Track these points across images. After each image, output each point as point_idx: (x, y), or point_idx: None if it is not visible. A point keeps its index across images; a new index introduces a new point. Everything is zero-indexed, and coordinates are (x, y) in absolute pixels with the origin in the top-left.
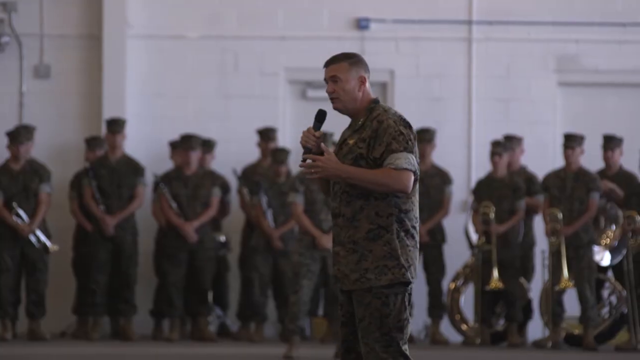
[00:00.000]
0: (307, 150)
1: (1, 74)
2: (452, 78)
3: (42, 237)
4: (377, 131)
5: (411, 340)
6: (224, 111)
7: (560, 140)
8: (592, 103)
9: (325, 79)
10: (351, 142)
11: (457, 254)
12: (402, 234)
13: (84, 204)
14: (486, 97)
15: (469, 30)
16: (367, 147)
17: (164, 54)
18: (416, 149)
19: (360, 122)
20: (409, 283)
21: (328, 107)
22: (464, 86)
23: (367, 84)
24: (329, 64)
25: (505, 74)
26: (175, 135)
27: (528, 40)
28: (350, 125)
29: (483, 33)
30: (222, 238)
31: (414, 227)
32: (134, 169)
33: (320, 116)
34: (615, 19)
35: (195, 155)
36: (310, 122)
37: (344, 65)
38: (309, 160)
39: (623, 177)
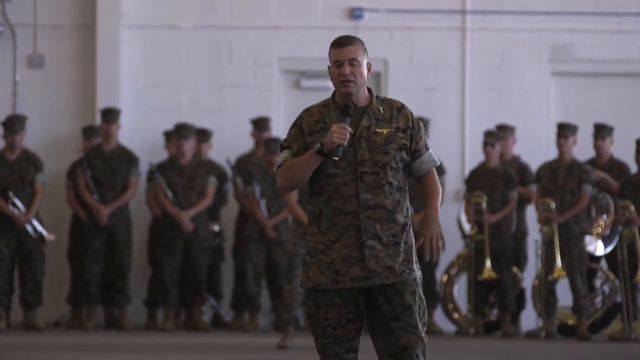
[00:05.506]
0: (339, 147)
1: None
2: (446, 68)
3: (39, 227)
4: (413, 122)
5: None
6: (218, 101)
7: (553, 131)
8: (586, 93)
9: (337, 60)
10: (384, 131)
11: (450, 244)
12: None
13: (79, 194)
14: (480, 87)
15: (463, 20)
16: (409, 138)
17: (158, 44)
18: None
19: (381, 110)
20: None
21: (322, 97)
22: (458, 76)
23: None
24: (345, 44)
25: (498, 64)
26: (169, 126)
27: (522, 30)
28: (363, 113)
29: (477, 23)
30: (216, 228)
31: None
32: (128, 158)
33: (349, 111)
34: (609, 8)
35: (188, 144)
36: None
37: (361, 49)
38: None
39: (614, 166)
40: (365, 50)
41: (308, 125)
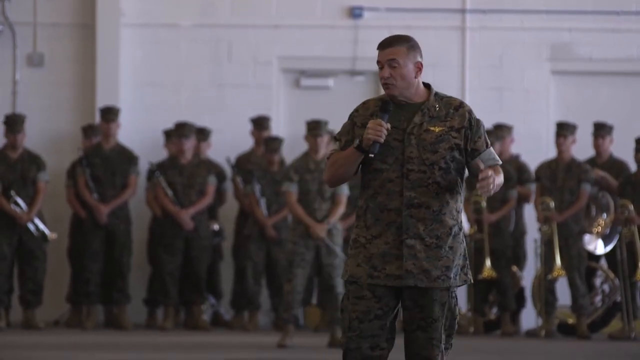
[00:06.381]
0: (375, 144)
1: None
2: (446, 67)
3: (41, 226)
4: (471, 122)
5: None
6: (217, 100)
7: (553, 130)
8: (586, 92)
9: (378, 62)
10: (437, 129)
11: None
12: None
13: (79, 193)
14: (480, 86)
15: (463, 19)
16: (464, 138)
17: (157, 43)
18: None
19: (437, 108)
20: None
21: (322, 96)
22: (458, 75)
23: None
24: (386, 46)
25: (498, 63)
26: (169, 125)
27: (521, 29)
28: (417, 109)
29: (477, 22)
30: (216, 227)
31: None
32: (127, 157)
33: (388, 107)
34: (609, 7)
35: (188, 143)
36: (303, 111)
37: (402, 49)
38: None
39: (614, 165)
40: (410, 49)
41: (362, 119)
